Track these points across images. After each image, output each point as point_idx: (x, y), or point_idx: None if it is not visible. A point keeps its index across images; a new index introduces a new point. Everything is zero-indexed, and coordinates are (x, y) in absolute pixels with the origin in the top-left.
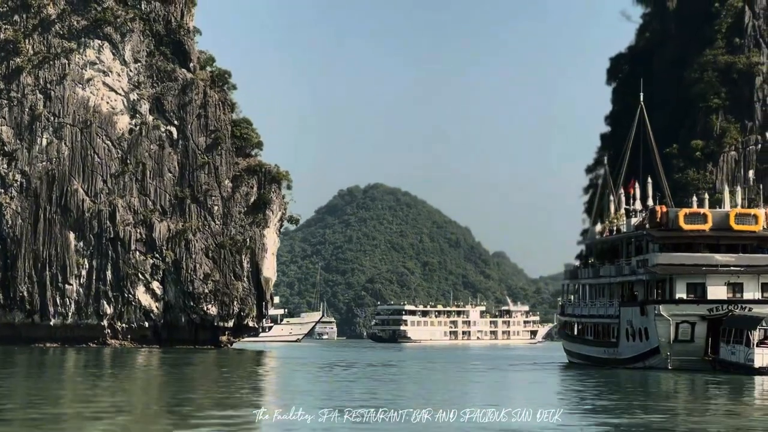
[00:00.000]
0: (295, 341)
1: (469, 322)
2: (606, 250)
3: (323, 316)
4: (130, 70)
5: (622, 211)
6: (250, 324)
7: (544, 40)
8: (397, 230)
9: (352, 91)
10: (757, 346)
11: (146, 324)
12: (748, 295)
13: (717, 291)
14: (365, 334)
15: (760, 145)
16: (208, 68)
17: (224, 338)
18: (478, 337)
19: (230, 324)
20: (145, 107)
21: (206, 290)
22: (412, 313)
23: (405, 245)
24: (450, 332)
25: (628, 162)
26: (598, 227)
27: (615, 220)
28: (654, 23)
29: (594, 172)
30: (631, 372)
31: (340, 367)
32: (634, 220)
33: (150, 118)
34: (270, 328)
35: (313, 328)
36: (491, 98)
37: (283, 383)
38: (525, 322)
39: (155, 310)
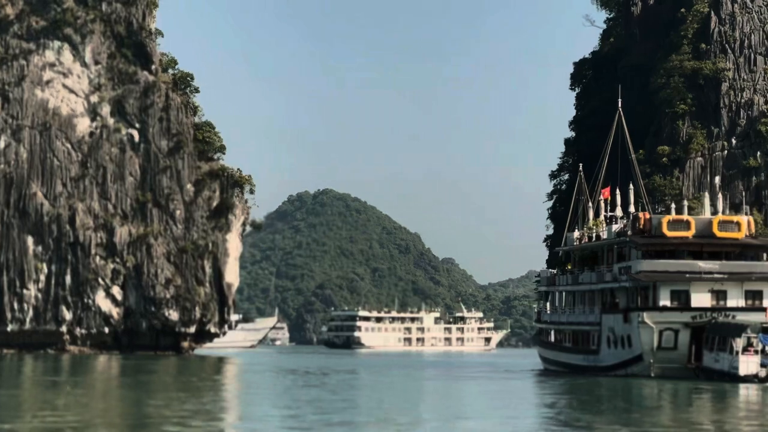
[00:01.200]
0: (250, 347)
1: (423, 328)
2: (586, 257)
3: (278, 322)
4: (91, 72)
5: (602, 217)
6: (212, 330)
7: (507, 44)
8: (346, 236)
9: (303, 95)
10: (741, 354)
11: (106, 330)
12: (731, 303)
13: (701, 298)
14: (315, 340)
15: (726, 152)
16: (170, 71)
17: (186, 344)
18: (432, 344)
19: (192, 330)
20: (105, 110)
21: (168, 295)
22: (366, 319)
23: (355, 251)
24: (404, 338)
25: (597, 168)
26: (576, 234)
27: (594, 227)
28: (618, 28)
29: (558, 178)
30: (615, 379)
31: (323, 375)
32: (615, 227)
33: (111, 121)
34: (225, 333)
35: (267, 333)
36: (446, 103)
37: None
38: (479, 329)
39: (115, 315)
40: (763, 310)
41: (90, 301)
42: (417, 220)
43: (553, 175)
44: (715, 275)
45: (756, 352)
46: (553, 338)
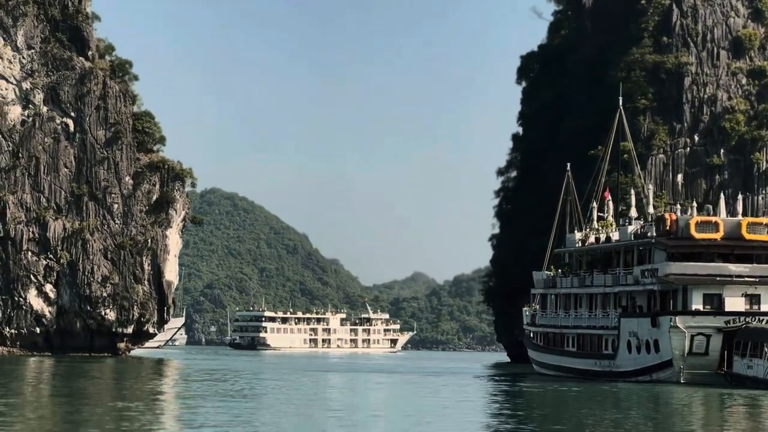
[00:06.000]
0: (157, 347)
1: (330, 329)
2: (597, 258)
3: (186, 321)
4: (23, 57)
5: (610, 218)
6: (151, 330)
7: (449, 37)
8: (234, 236)
9: (216, 89)
10: None
11: (37, 330)
12: (765, 307)
13: (734, 302)
14: (204, 340)
15: (689, 149)
16: (108, 57)
17: (122, 345)
18: (338, 345)
19: (129, 330)
20: (39, 97)
21: (104, 294)
22: (272, 320)
23: (242, 251)
24: (310, 339)
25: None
26: (578, 235)
27: (602, 228)
28: (569, 21)
29: (506, 175)
30: (643, 386)
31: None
32: (630, 228)
33: (44, 109)
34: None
35: (175, 333)
36: (359, 98)
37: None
38: (385, 330)
39: (48, 314)
40: None
41: (21, 300)
42: (305, 220)
43: (500, 172)
44: (747, 279)
45: None
46: (552, 342)
